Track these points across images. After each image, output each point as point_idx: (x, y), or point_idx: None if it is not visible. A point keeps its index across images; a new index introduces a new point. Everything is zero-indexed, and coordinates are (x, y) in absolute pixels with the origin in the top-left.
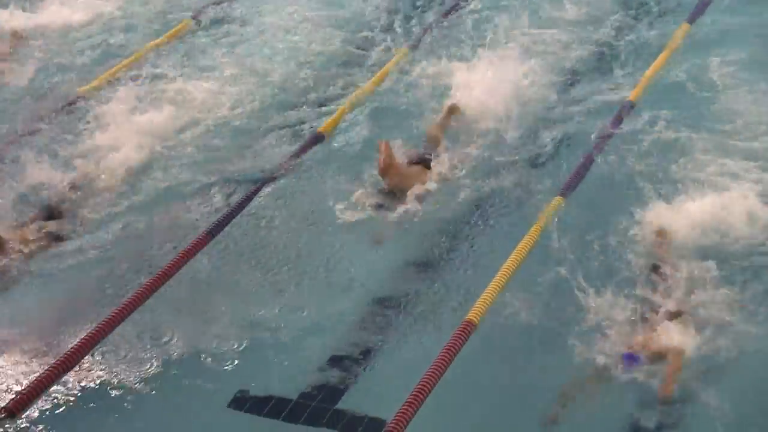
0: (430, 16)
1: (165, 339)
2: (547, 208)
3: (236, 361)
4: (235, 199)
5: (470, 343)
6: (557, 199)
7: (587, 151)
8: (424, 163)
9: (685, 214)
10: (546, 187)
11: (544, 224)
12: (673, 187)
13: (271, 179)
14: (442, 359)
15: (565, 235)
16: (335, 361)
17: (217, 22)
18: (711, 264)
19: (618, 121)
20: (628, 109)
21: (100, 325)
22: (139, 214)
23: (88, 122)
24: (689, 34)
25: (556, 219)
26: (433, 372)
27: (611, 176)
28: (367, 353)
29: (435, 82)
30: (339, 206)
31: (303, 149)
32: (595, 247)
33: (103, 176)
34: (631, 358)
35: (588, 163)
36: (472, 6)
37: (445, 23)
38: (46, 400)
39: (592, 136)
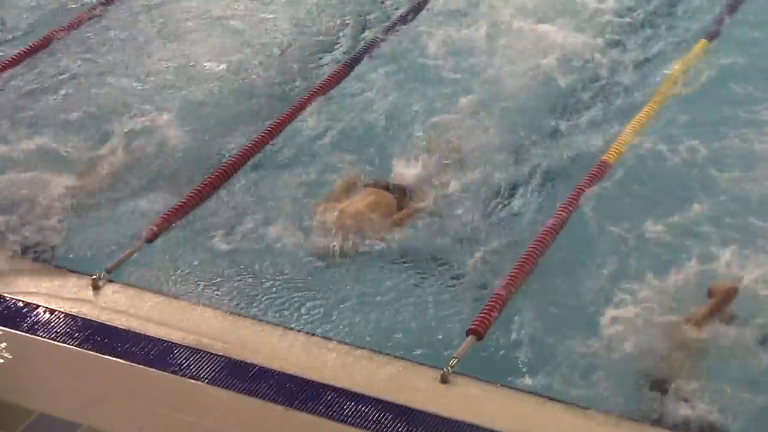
0: None
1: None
2: (692, 51)
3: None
4: None
5: None
6: (702, 42)
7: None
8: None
9: None
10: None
11: (687, 67)
12: None
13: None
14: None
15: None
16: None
17: None
18: None
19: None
20: None
21: (228, 162)
22: None
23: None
24: None
25: (703, 61)
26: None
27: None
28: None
29: None
30: None
31: None
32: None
33: None
34: None
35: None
36: None
37: None
38: (175, 229)
39: None
